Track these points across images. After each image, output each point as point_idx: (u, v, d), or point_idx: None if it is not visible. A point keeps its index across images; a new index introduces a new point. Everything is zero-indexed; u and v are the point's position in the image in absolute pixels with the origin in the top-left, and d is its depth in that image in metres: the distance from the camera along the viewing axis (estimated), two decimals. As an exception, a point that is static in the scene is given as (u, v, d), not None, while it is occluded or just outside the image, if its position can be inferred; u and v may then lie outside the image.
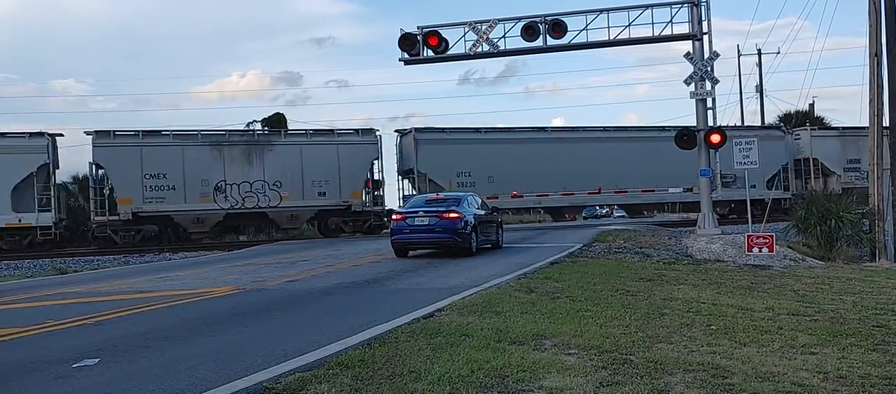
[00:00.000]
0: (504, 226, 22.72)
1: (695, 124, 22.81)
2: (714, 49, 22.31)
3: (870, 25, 21.97)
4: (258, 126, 39.87)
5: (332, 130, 32.72)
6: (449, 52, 23.57)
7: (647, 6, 22.55)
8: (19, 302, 12.14)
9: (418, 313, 8.86)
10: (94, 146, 28.30)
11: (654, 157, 33.00)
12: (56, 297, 12.53)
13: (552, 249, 19.29)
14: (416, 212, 17.98)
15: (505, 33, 23.05)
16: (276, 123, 40.68)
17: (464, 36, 23.22)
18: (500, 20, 23.10)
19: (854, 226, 21.79)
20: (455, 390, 5.48)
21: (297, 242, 27.85)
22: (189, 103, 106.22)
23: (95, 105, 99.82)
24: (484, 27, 23.03)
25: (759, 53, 51.92)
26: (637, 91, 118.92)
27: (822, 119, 49.83)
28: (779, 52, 58.85)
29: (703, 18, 22.36)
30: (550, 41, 22.87)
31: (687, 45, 22.59)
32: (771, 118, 51.29)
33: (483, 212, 19.46)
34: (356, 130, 32.59)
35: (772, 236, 17.80)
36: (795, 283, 13.41)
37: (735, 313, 9.51)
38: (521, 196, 33.55)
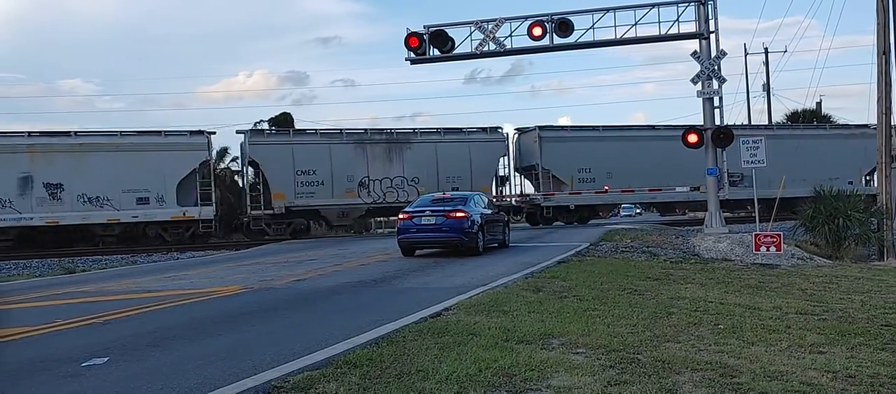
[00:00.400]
0: (510, 225, 22.71)
1: (702, 123, 22.77)
2: (721, 48, 22.29)
3: (878, 23, 21.86)
4: (265, 126, 39.86)
5: (462, 129, 34.39)
6: (455, 52, 23.59)
7: (653, 5, 22.53)
8: (28, 301, 12.19)
9: (426, 312, 8.86)
10: (249, 145, 30.36)
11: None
12: (64, 296, 12.58)
13: (559, 248, 19.27)
14: (423, 211, 17.96)
15: (511, 32, 23.06)
16: (282, 122, 40.64)
17: (470, 35, 23.24)
18: (506, 19, 23.10)
19: (862, 225, 21.69)
20: (463, 389, 5.48)
21: (304, 242, 27.91)
22: (196, 103, 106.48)
23: (103, 105, 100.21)
24: (490, 26, 23.03)
25: (766, 52, 51.78)
26: (644, 90, 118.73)
27: (829, 117, 49.60)
28: (786, 51, 59.11)
29: (710, 17, 22.32)
30: (557, 40, 22.87)
31: (694, 44, 22.57)
32: (778, 117, 51.20)
33: (490, 211, 19.45)
34: (484, 129, 34.14)
35: (779, 235, 17.74)
36: (803, 282, 13.37)
37: (743, 312, 9.49)
38: (632, 191, 34.82)
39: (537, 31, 22.63)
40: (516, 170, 35.36)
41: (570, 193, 33.86)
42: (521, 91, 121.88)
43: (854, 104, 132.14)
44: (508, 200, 34.59)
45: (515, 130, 35.90)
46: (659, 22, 22.61)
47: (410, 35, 23.04)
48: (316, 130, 32.70)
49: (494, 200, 31.92)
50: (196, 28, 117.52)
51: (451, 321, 8.24)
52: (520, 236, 24.21)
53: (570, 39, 22.96)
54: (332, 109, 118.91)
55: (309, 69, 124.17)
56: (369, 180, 31.55)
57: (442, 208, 17.77)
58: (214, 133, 30.44)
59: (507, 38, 23.10)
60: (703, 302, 10.27)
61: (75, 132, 29.41)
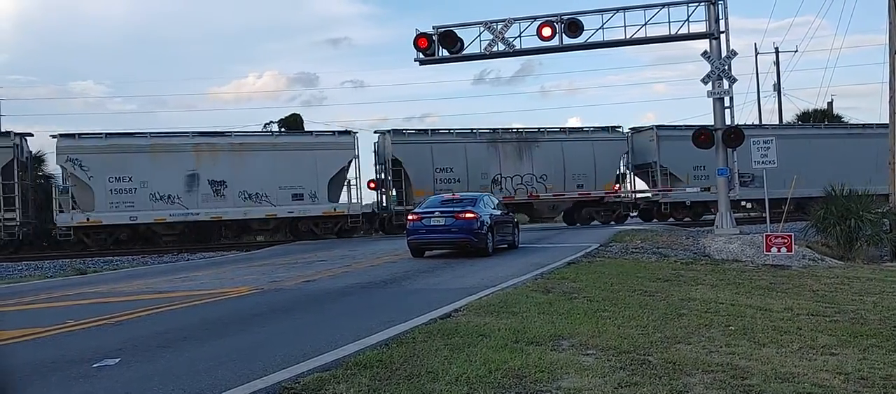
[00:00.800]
0: (520, 226, 22.68)
1: (712, 123, 22.70)
2: (731, 48, 22.19)
3: (890, 22, 21.74)
4: (275, 127, 39.98)
5: (584, 128, 35.77)
6: (464, 52, 23.57)
7: (663, 5, 22.46)
8: (40, 302, 12.27)
9: (435, 314, 8.87)
10: (393, 144, 31.83)
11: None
12: (76, 297, 12.65)
13: (569, 249, 19.24)
14: (433, 212, 17.96)
15: (520, 33, 23.03)
16: (292, 123, 40.65)
17: (479, 35, 23.23)
18: (515, 19, 23.07)
19: (874, 225, 21.55)
20: (473, 391, 5.48)
21: (314, 243, 27.99)
22: (206, 104, 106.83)
23: (114, 106, 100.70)
24: (499, 27, 23.01)
25: (777, 52, 51.56)
26: (654, 90, 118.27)
27: (841, 117, 49.32)
28: (796, 51, 58.61)
29: (720, 17, 22.24)
30: (566, 40, 22.82)
31: (704, 44, 22.49)
32: (789, 117, 50.96)
33: (499, 212, 19.44)
34: (606, 128, 35.50)
35: (790, 236, 17.65)
36: (815, 283, 13.30)
37: (754, 313, 9.45)
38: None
39: (547, 31, 22.59)
40: (628, 167, 36.41)
41: (686, 190, 34.88)
42: (530, 91, 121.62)
43: (866, 104, 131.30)
44: (629, 196, 36.09)
45: (630, 129, 37.13)
46: (669, 22, 22.55)
47: (419, 36, 23.04)
48: (449, 129, 34.06)
49: (613, 196, 34.46)
50: (206, 29, 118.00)
51: (460, 322, 8.24)
52: (529, 237, 24.18)
53: (580, 40, 22.91)
54: (342, 110, 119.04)
55: (318, 70, 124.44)
56: (502, 177, 32.97)
57: (451, 209, 17.77)
58: (357, 133, 31.95)
59: (516, 38, 23.06)
60: (713, 303, 10.24)
61: (234, 133, 31.18)
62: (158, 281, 15.19)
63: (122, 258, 24.52)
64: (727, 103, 22.40)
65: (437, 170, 31.89)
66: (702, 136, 22.47)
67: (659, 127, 35.70)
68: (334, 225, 30.59)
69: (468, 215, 17.43)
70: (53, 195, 27.94)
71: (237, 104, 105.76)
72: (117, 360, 6.90)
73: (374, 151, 33.41)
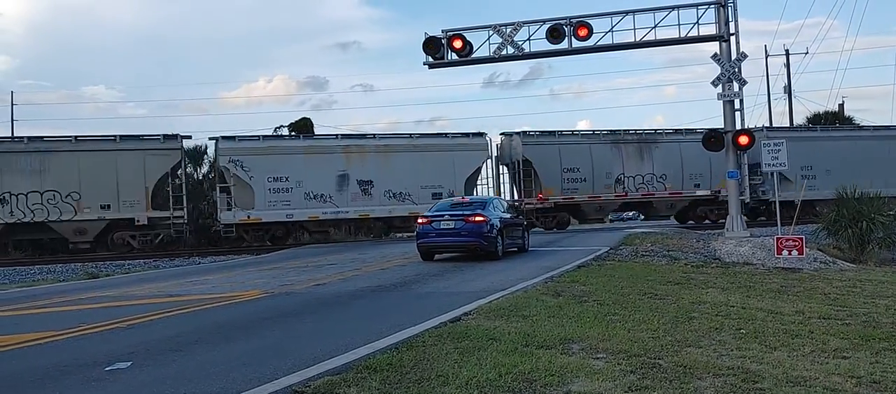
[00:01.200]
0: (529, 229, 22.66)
1: (722, 126, 22.62)
2: (741, 50, 22.10)
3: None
4: (285, 131, 40.11)
5: (700, 130, 36.98)
6: (473, 55, 23.57)
7: (673, 7, 22.40)
8: (54, 306, 12.35)
9: (445, 317, 8.88)
10: (523, 144, 33.01)
11: None
12: (88, 300, 12.73)
13: (579, 252, 19.20)
14: (442, 215, 17.96)
15: (530, 36, 23.00)
16: (302, 127, 40.81)
17: (488, 39, 23.23)
18: (524, 23, 23.06)
19: (886, 228, 21.41)
20: (483, 395, 5.49)
21: (325, 246, 28.06)
22: (217, 109, 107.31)
23: (125, 111, 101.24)
24: (508, 30, 23.01)
25: (788, 54, 51.29)
26: (665, 93, 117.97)
27: (852, 119, 49.04)
28: (807, 53, 58.26)
29: (730, 19, 22.16)
30: (576, 43, 22.78)
31: (714, 47, 22.41)
32: (799, 119, 50.73)
33: (509, 215, 19.43)
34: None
35: (801, 239, 17.56)
36: (826, 286, 13.23)
37: (765, 316, 9.41)
38: None
39: (556, 34, 22.57)
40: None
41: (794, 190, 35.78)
42: (540, 95, 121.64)
43: (878, 106, 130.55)
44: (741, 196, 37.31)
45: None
46: (679, 24, 22.48)
47: (429, 39, 23.07)
48: (572, 131, 35.62)
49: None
50: (217, 34, 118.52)
51: (470, 326, 8.25)
52: (539, 240, 24.16)
53: (589, 43, 22.86)
54: (352, 113, 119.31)
55: (328, 74, 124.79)
56: (625, 177, 34.12)
57: (461, 213, 17.77)
58: (486, 134, 33.39)
59: (525, 41, 23.05)
60: (724, 306, 10.21)
61: (377, 135, 32.65)
62: (170, 285, 15.26)
63: (133, 262, 24.64)
64: (737, 106, 22.31)
65: (565, 170, 33.33)
66: (711, 139, 22.38)
67: (768, 128, 37.53)
68: None
69: (478, 219, 17.42)
70: (216, 194, 29.71)
71: (248, 108, 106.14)
72: (129, 363, 6.95)
73: (497, 153, 34.48)
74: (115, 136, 28.56)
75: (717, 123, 24.31)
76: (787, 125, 45.97)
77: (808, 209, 35.15)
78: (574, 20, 22.59)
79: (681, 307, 10.00)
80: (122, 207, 27.63)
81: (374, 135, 32.60)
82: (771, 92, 52.90)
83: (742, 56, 22.01)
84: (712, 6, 22.25)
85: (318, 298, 11.90)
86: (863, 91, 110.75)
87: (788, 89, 50.79)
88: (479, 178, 32.66)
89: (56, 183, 27.04)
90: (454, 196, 30.17)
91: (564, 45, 22.75)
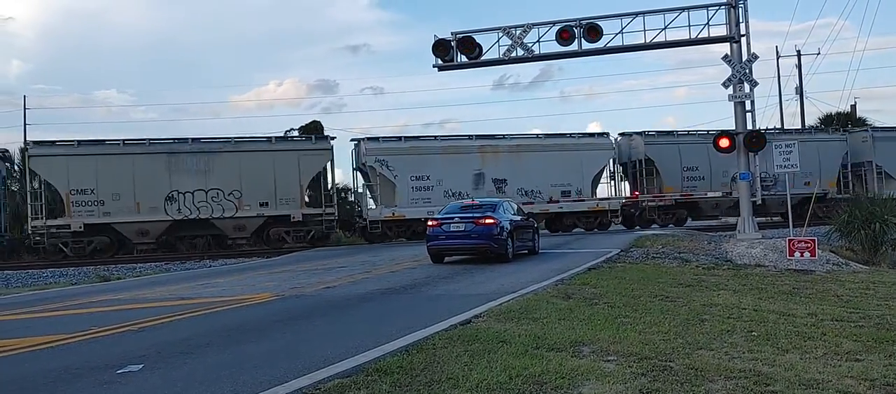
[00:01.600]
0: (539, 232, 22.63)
1: (734, 128, 22.52)
2: (752, 51, 22.00)
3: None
4: (296, 134, 40.21)
5: (809, 128, 39.50)
6: (483, 58, 23.57)
7: (683, 9, 22.33)
8: (65, 309, 12.41)
9: (455, 320, 8.87)
10: (646, 144, 34.61)
11: None
12: (100, 303, 12.79)
13: (589, 254, 19.15)
14: (452, 218, 17.95)
15: (539, 38, 22.98)
16: (312, 130, 40.91)
17: (498, 41, 23.22)
18: (534, 25, 23.04)
19: (900, 229, 21.26)
20: (493, 397, 5.48)
21: (335, 249, 28.11)
22: (228, 112, 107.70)
23: (137, 115, 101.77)
24: (518, 32, 22.99)
25: (799, 54, 51.08)
26: (675, 94, 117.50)
27: (864, 120, 48.73)
28: (819, 53, 58.07)
29: (741, 20, 22.07)
30: (585, 45, 22.74)
31: (725, 48, 22.32)
32: (811, 120, 50.49)
33: (519, 217, 19.39)
34: (827, 129, 39.22)
35: (814, 240, 17.46)
36: (839, 288, 13.15)
37: (777, 318, 9.35)
38: None
39: (566, 36, 22.53)
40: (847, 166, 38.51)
41: None
42: (550, 97, 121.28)
43: (891, 106, 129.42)
44: (843, 193, 37.58)
45: (845, 130, 39.92)
46: (689, 25, 22.41)
47: (438, 42, 23.08)
48: (688, 131, 37.13)
49: (833, 193, 36.37)
50: (228, 37, 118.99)
51: (481, 329, 8.23)
52: (549, 243, 24.12)
53: (599, 44, 22.82)
54: (362, 116, 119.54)
55: (338, 77, 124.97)
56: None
57: (471, 215, 17.74)
58: (608, 134, 35.31)
59: (535, 43, 23.02)
60: (736, 309, 10.15)
61: (506, 135, 33.99)
62: (181, 288, 15.31)
63: (144, 265, 24.74)
64: (748, 107, 22.20)
65: (685, 168, 34.63)
66: (723, 140, 22.26)
67: (873, 128, 39.28)
68: (595, 219, 33.51)
69: (488, 221, 17.39)
70: (357, 192, 32.86)
71: (258, 112, 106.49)
72: (140, 366, 6.98)
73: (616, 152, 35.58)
74: (270, 137, 31.05)
75: (728, 124, 24.22)
76: (799, 127, 45.74)
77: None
78: (584, 22, 22.55)
79: (692, 310, 9.95)
80: (279, 204, 29.37)
81: (503, 135, 34.01)
82: (783, 93, 52.59)
83: (753, 57, 21.90)
84: (723, 7, 22.17)
85: (329, 300, 11.92)
86: (875, 92, 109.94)
87: (800, 90, 50.57)
88: (607, 175, 34.47)
89: (219, 182, 28.85)
90: (581, 193, 32.65)
91: (574, 46, 22.72)
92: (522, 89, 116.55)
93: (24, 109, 51.21)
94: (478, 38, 23.24)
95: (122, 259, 27.24)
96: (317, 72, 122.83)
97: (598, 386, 5.76)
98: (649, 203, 34.56)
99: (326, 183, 30.81)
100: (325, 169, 30.60)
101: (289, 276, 16.72)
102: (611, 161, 34.45)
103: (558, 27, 22.68)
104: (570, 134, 34.76)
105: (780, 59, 51.96)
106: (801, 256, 17.04)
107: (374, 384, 5.87)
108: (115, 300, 13.14)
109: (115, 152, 28.32)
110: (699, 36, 22.52)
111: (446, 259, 18.15)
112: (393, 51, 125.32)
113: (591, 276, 13.99)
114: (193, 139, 29.42)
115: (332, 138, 31.51)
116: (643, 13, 22.64)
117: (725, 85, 22.08)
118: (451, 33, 23.18)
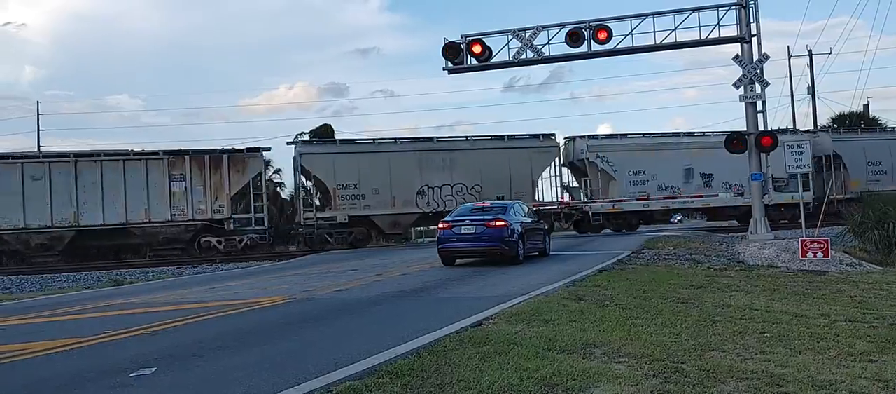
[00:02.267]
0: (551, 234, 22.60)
1: (745, 128, 22.44)
2: (763, 51, 21.97)
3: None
4: (306, 137, 40.33)
5: (891, 128, 42.35)
6: (492, 60, 23.61)
7: (693, 9, 22.30)
8: (79, 312, 12.48)
9: (466, 322, 8.87)
10: (833, 141, 36.52)
11: None
12: (113, 307, 12.86)
13: (600, 256, 19.11)
14: (463, 220, 17.94)
15: (549, 40, 23.02)
16: (323, 133, 41.06)
17: (507, 43, 23.26)
18: (543, 27, 23.06)
19: (914, 229, 21.10)
20: (504, 399, 5.47)
21: (346, 252, 28.16)
22: (238, 116, 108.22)
23: (148, 119, 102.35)
24: (528, 34, 23.01)
25: (810, 54, 50.86)
26: (686, 95, 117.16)
27: (877, 120, 48.44)
28: (830, 53, 57.77)
29: (752, 20, 22.03)
30: (595, 47, 22.75)
31: (735, 48, 22.26)
32: (823, 120, 50.27)
33: (530, 220, 19.37)
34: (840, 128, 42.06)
35: (826, 241, 17.36)
36: (852, 288, 13.07)
37: (790, 319, 9.31)
38: None
39: (575, 38, 22.53)
40: None
41: None
42: (560, 98, 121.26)
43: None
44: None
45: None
46: (699, 26, 22.40)
47: (448, 45, 23.12)
48: (880, 126, 40.43)
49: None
50: (238, 42, 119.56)
51: (492, 331, 8.23)
52: (560, 245, 24.09)
53: (609, 46, 22.82)
54: (372, 119, 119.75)
55: (349, 81, 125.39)
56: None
57: (482, 218, 17.74)
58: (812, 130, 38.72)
59: (544, 45, 23.06)
60: (748, 310, 10.11)
61: (707, 132, 36.36)
62: (193, 291, 15.38)
63: (157, 269, 24.87)
64: (760, 107, 22.13)
65: (870, 163, 36.68)
66: (734, 141, 22.20)
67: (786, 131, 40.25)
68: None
69: (498, 223, 17.37)
70: (573, 185, 35.34)
71: (269, 115, 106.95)
72: (154, 369, 7.01)
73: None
74: (504, 135, 33.59)
75: (740, 125, 24.15)
76: (812, 128, 45.52)
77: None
78: (593, 24, 22.56)
79: (704, 311, 9.92)
80: (513, 197, 29.84)
81: (703, 132, 36.40)
82: (794, 93, 52.33)
83: (764, 57, 21.85)
84: (733, 7, 22.12)
85: (341, 303, 11.94)
86: (888, 91, 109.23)
87: (812, 90, 50.30)
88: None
89: (463, 177, 31.66)
90: (788, 187, 33.74)
91: (584, 48, 22.73)
92: (533, 91, 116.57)
93: (38, 114, 51.73)
94: (487, 40, 23.29)
95: (134, 263, 27.41)
96: (327, 75, 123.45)
97: (609, 388, 5.75)
98: (836, 197, 33.98)
99: (560, 178, 33.84)
100: (552, 164, 33.29)
101: (301, 279, 16.77)
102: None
103: (568, 29, 22.71)
104: (780, 130, 35.63)
105: (791, 59, 51.72)
106: (814, 256, 16.95)
107: (385, 387, 5.88)
108: (128, 304, 13.21)
109: (373, 151, 31.61)
110: (709, 37, 22.49)
111: (457, 262, 18.14)
112: (403, 54, 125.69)
113: (602, 277, 13.96)
114: (438, 138, 33.44)
115: (551, 135, 33.64)
116: (653, 14, 22.66)
117: (736, 85, 22.03)
118: (461, 36, 23.24)
